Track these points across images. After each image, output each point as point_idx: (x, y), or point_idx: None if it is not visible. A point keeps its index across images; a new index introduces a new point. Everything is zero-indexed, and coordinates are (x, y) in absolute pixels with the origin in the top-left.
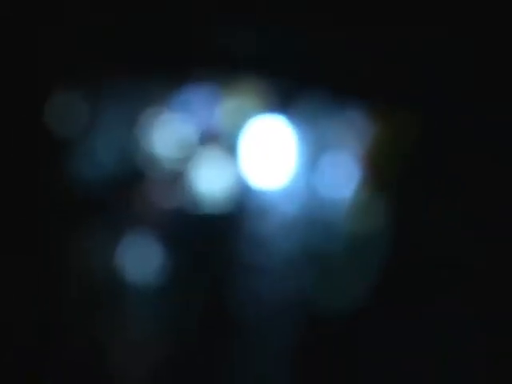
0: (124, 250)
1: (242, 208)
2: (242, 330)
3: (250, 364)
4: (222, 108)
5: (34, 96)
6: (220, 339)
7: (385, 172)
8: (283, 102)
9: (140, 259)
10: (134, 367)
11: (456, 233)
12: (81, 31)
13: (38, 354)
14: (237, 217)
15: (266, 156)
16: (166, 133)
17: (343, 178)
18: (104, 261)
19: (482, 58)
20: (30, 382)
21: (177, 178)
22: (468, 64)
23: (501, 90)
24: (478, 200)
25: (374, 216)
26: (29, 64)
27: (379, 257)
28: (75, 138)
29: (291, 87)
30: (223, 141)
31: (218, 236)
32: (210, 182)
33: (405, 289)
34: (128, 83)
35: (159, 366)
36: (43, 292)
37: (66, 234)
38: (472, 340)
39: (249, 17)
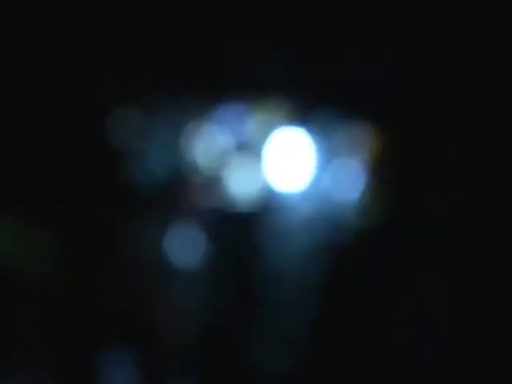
0: (172, 239)
1: (267, 207)
2: (266, 304)
3: (273, 333)
4: (251, 122)
5: (100, 113)
6: (248, 313)
7: (385, 175)
8: (302, 117)
9: (184, 247)
10: (177, 338)
11: (451, 227)
12: (137, 58)
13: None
14: (262, 214)
15: (287, 162)
16: (206, 143)
17: (351, 182)
18: (156, 248)
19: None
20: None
21: (214, 181)
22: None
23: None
24: (474, 198)
25: (377, 213)
26: (91, 87)
27: (383, 249)
28: (133, 147)
29: (309, 105)
30: (252, 150)
31: (247, 229)
32: (241, 184)
33: (405, 276)
34: (174, 102)
35: (198, 338)
36: (106, 273)
37: (127, 225)
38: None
39: (274, 46)
